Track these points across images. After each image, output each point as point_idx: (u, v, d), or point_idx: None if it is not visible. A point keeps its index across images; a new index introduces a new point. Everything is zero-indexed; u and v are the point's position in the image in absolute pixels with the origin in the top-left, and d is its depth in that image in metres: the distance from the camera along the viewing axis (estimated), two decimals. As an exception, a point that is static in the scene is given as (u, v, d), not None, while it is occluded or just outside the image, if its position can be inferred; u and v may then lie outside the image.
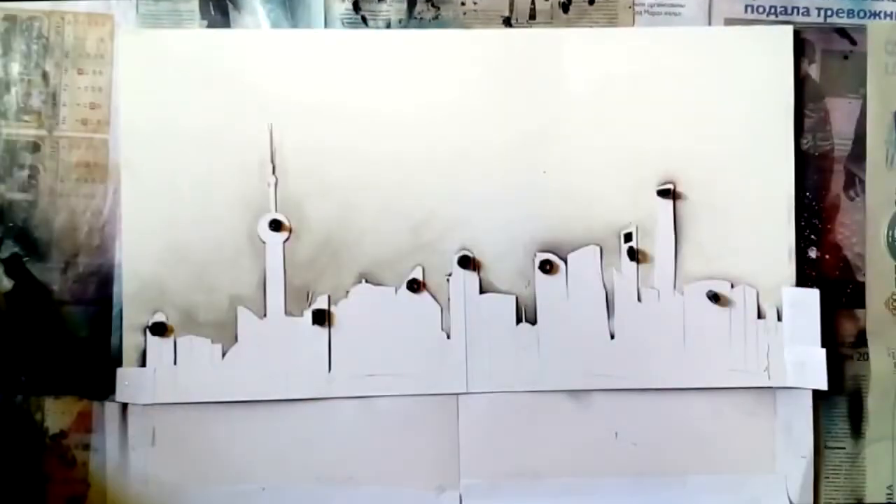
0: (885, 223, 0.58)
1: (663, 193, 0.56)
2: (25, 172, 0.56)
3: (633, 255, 0.56)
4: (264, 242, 0.56)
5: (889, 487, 0.58)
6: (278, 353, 0.56)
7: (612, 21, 0.57)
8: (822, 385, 0.56)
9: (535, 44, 0.56)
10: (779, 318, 0.57)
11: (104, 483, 0.56)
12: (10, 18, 0.56)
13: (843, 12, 0.58)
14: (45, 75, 0.56)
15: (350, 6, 0.57)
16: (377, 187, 0.56)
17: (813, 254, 0.58)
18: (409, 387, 0.56)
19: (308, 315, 0.56)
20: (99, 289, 0.56)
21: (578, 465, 0.57)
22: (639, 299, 0.57)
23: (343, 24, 0.57)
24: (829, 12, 0.58)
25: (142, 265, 0.55)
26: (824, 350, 0.56)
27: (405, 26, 0.57)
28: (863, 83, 0.58)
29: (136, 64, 0.56)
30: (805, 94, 0.57)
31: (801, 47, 0.57)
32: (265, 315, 0.56)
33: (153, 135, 0.56)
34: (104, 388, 0.56)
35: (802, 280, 0.57)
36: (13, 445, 0.56)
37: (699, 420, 0.57)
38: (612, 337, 0.56)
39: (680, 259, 0.57)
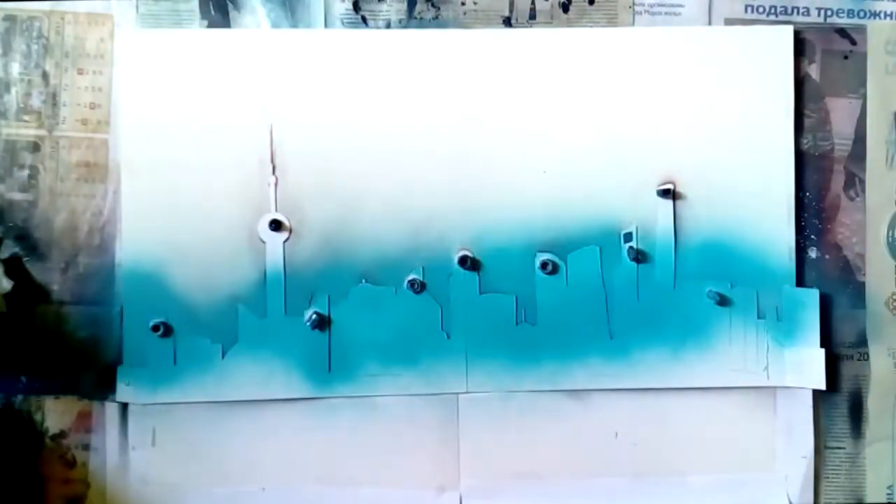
0: (885, 223, 0.58)
1: (663, 193, 0.56)
2: (25, 172, 0.56)
3: (633, 255, 0.56)
4: (264, 242, 0.56)
5: (889, 487, 0.58)
6: (278, 353, 0.56)
7: (612, 21, 0.57)
8: (821, 385, 0.56)
9: (535, 44, 0.56)
10: (778, 318, 0.57)
11: (104, 483, 0.56)
12: (10, 18, 0.56)
13: (843, 12, 0.58)
14: (45, 75, 0.56)
15: (350, 6, 0.57)
16: (377, 187, 0.56)
17: (813, 254, 0.58)
18: (409, 387, 0.56)
19: (308, 315, 0.56)
20: (99, 289, 0.56)
21: (578, 465, 0.57)
22: (638, 299, 0.57)
23: (343, 24, 0.57)
24: (829, 12, 0.58)
25: (142, 265, 0.55)
26: (823, 350, 0.56)
27: (405, 26, 0.57)
28: (863, 83, 0.58)
29: (136, 64, 0.56)
30: (805, 94, 0.57)
31: (801, 47, 0.57)
32: (265, 315, 0.56)
33: (153, 135, 0.56)
34: (104, 388, 0.56)
35: (802, 280, 0.57)
36: (13, 445, 0.56)
37: (699, 420, 0.57)
38: (612, 337, 0.56)
39: (680, 259, 0.57)
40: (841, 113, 0.58)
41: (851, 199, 0.58)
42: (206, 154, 0.56)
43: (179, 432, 0.56)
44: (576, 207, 0.56)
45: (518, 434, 0.57)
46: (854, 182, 0.58)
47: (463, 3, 0.57)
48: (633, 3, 0.57)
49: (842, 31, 0.58)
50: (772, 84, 0.57)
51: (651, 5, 0.57)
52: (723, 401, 0.57)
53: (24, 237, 0.56)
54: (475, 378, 0.56)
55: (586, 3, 0.57)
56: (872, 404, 0.58)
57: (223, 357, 0.56)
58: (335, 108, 0.56)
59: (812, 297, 0.57)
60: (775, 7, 0.58)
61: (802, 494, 0.57)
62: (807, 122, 0.57)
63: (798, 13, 0.58)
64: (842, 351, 0.58)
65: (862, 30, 0.58)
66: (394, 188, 0.56)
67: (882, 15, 0.58)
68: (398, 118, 0.56)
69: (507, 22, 0.57)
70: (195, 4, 0.56)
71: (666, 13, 0.57)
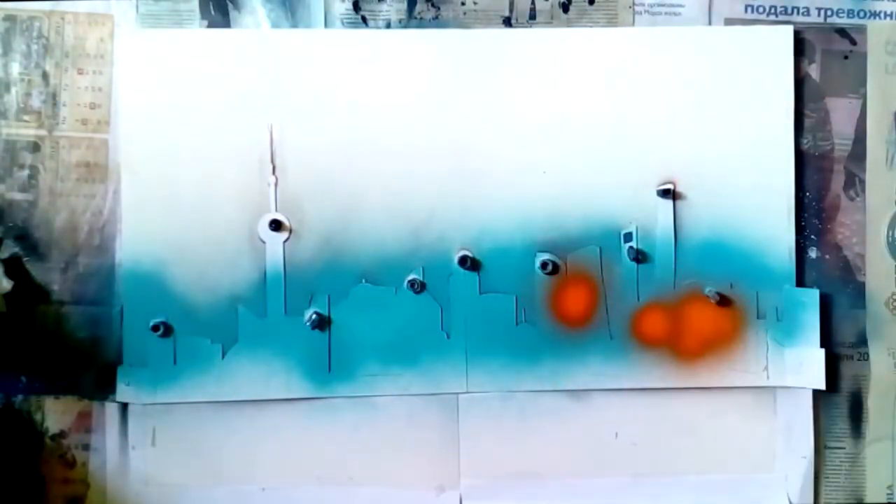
0: (885, 223, 0.58)
1: (663, 193, 0.56)
2: (25, 172, 0.56)
3: (633, 254, 0.56)
4: (264, 242, 0.56)
5: (889, 487, 0.58)
6: (278, 353, 0.56)
7: (612, 21, 0.57)
8: (821, 385, 0.56)
9: (535, 44, 0.56)
10: (778, 318, 0.57)
11: (104, 483, 0.56)
12: (10, 18, 0.56)
13: (843, 12, 0.58)
14: (45, 75, 0.56)
15: (350, 6, 0.57)
16: (377, 187, 0.56)
17: (813, 254, 0.58)
18: (409, 387, 0.56)
19: (308, 315, 0.56)
20: (99, 289, 0.56)
21: (578, 465, 0.57)
22: (638, 299, 0.57)
23: (343, 24, 0.57)
24: (829, 12, 0.58)
25: (142, 265, 0.55)
26: (823, 350, 0.56)
27: (405, 26, 0.57)
28: (863, 83, 0.58)
29: (136, 64, 0.56)
30: (805, 94, 0.57)
31: (801, 47, 0.57)
32: (265, 315, 0.56)
33: (153, 135, 0.56)
34: (104, 388, 0.56)
35: (802, 280, 0.57)
36: (13, 445, 0.56)
37: (699, 420, 0.57)
38: (612, 337, 0.56)
39: (680, 259, 0.57)
40: (841, 113, 0.58)
41: (851, 199, 0.58)
42: (206, 154, 0.56)
43: (179, 432, 0.56)
44: (576, 207, 0.56)
45: (518, 434, 0.57)
46: (854, 182, 0.58)
47: (463, 3, 0.57)
48: (633, 3, 0.57)
49: (842, 31, 0.58)
50: (772, 84, 0.57)
51: (651, 5, 0.57)
52: (723, 401, 0.57)
53: (24, 237, 0.56)
54: (475, 378, 0.56)
55: (586, 3, 0.57)
56: (872, 404, 0.58)
57: (223, 357, 0.56)
58: (335, 108, 0.56)
59: (812, 297, 0.57)
60: (775, 7, 0.58)
61: (802, 494, 0.57)
62: (807, 122, 0.57)
63: (798, 13, 0.58)
64: (842, 351, 0.58)
65: (862, 30, 0.58)
66: (394, 188, 0.56)
67: (882, 15, 0.58)
68: (398, 118, 0.56)
69: (507, 22, 0.57)
70: (195, 4, 0.56)
71: (666, 13, 0.57)
